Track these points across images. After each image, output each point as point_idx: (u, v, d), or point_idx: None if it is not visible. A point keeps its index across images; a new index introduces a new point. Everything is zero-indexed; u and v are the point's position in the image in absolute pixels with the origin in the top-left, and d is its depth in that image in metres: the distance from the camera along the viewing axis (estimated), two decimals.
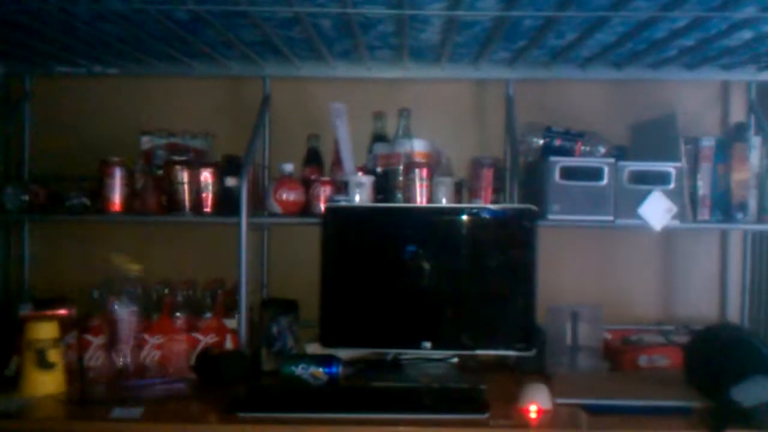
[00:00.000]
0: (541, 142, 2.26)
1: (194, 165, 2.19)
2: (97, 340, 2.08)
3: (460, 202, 2.24)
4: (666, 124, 2.22)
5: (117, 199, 2.17)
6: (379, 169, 2.22)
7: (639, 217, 2.08)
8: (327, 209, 2.10)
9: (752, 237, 2.45)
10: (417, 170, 2.13)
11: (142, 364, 2.07)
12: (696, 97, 2.50)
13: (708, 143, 2.16)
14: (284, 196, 2.17)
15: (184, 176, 2.16)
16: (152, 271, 2.38)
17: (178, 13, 1.85)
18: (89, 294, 2.17)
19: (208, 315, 2.17)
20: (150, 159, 2.28)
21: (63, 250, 2.52)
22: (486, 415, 1.71)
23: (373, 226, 2.12)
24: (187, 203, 2.17)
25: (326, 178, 2.22)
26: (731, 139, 2.19)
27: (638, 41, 2.06)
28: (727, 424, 1.63)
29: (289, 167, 2.22)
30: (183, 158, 2.23)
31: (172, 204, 2.18)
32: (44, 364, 1.88)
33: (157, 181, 2.21)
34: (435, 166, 2.20)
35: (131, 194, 2.21)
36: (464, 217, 2.07)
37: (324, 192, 2.17)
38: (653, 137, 2.30)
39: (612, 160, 2.10)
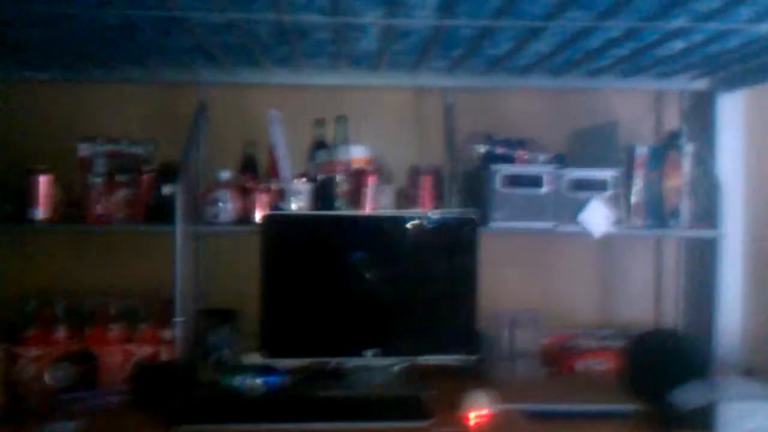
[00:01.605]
0: (483, 150, 2.27)
1: (134, 172, 2.15)
2: (28, 353, 2.02)
3: (401, 209, 2.24)
4: (605, 132, 2.25)
5: (44, 207, 2.11)
6: (318, 177, 2.21)
7: (579, 224, 2.11)
8: (266, 217, 2.08)
9: (686, 243, 2.50)
10: (361, 178, 2.12)
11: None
12: (631, 105, 2.54)
13: (641, 151, 2.20)
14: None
15: (124, 184, 2.13)
16: (86, 281, 2.34)
17: (109, 18, 1.81)
18: (21, 306, 2.11)
19: (144, 326, 2.13)
20: (88, 167, 2.22)
21: None
22: (428, 422, 1.71)
23: (313, 234, 2.11)
24: (124, 212, 2.13)
25: (264, 186, 2.19)
26: (664, 147, 2.24)
27: (574, 50, 2.09)
28: (670, 427, 1.66)
29: (225, 174, 2.19)
30: (122, 165, 2.18)
31: (111, 212, 2.13)
32: None
33: (96, 190, 2.16)
34: (378, 173, 2.20)
35: (65, 203, 2.16)
36: (406, 225, 2.07)
37: (261, 200, 2.15)
38: (591, 145, 2.34)
39: (552, 168, 2.12)
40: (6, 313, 2.16)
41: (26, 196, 2.12)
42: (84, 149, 2.25)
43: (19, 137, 2.44)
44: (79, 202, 2.17)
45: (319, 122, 2.30)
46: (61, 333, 2.09)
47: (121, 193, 2.15)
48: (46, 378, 1.89)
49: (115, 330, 2.10)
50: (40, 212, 2.11)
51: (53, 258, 2.45)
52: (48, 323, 2.09)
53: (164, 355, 2.10)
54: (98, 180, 2.17)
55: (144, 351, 2.09)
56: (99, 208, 2.13)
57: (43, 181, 2.11)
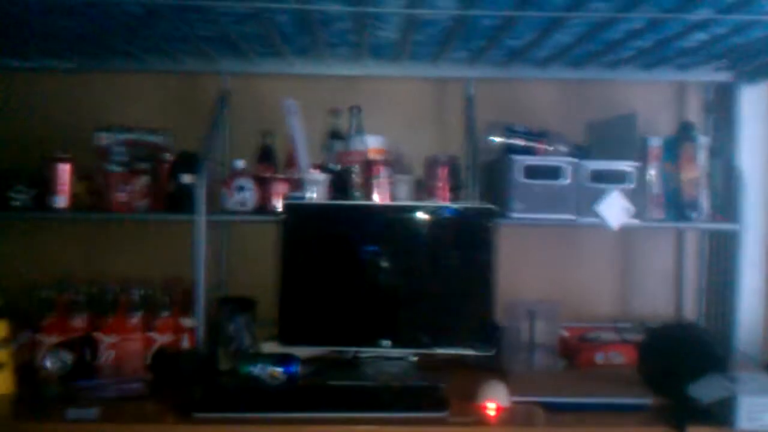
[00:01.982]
0: (503, 140, 2.26)
1: (153, 162, 2.16)
2: (48, 340, 2.04)
3: (420, 200, 2.23)
4: (624, 124, 2.24)
5: (65, 196, 2.13)
6: (335, 167, 2.21)
7: (597, 216, 2.10)
8: (285, 207, 2.09)
9: (706, 236, 2.48)
10: (377, 168, 2.12)
11: (97, 364, 2.03)
12: (652, 97, 2.53)
13: (655, 143, 2.19)
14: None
15: (143, 173, 2.14)
16: (108, 269, 2.36)
17: (131, 6, 1.81)
18: (40, 293, 2.13)
19: (165, 314, 2.14)
20: (106, 155, 2.23)
21: (10, 247, 2.46)
22: (445, 413, 1.71)
23: (331, 224, 2.11)
24: (144, 200, 2.14)
25: (281, 176, 2.19)
26: (678, 139, 2.22)
27: (596, 42, 2.08)
28: (688, 421, 1.66)
29: (240, 163, 2.20)
30: (142, 154, 2.19)
31: (131, 201, 2.15)
32: None
33: (115, 178, 2.17)
34: (394, 163, 2.20)
35: (85, 191, 2.17)
36: (424, 216, 2.07)
37: (278, 189, 2.15)
38: (609, 136, 2.33)
39: (574, 160, 2.12)
40: (26, 300, 2.17)
41: (47, 185, 2.14)
42: (102, 138, 2.27)
43: (39, 126, 2.46)
44: (100, 191, 2.18)
45: (335, 112, 2.30)
46: (80, 321, 2.11)
47: (141, 182, 2.16)
48: (44, 364, 1.89)
49: (136, 318, 2.12)
50: (61, 200, 2.13)
51: (73, 246, 2.47)
52: (67, 311, 2.11)
53: (184, 343, 2.11)
54: (118, 168, 2.18)
55: (164, 339, 2.10)
56: (120, 197, 2.14)
57: (63, 170, 2.13)
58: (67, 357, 1.90)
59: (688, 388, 1.73)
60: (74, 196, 2.16)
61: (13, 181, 2.17)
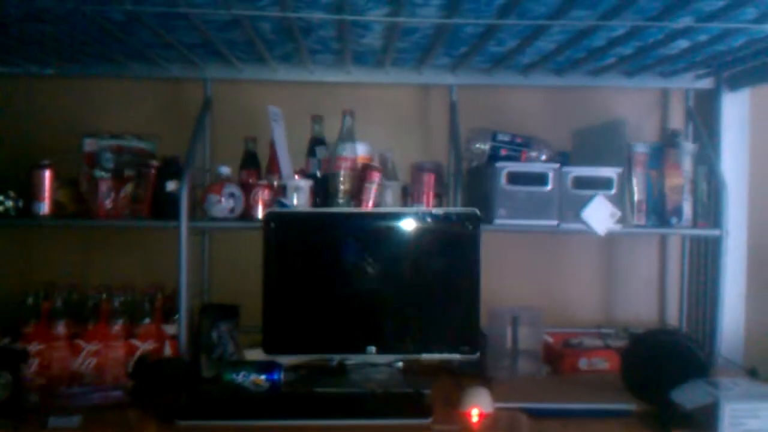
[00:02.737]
0: (487, 147, 2.27)
1: (138, 168, 2.15)
2: (30, 348, 2.02)
3: (405, 206, 2.23)
4: (610, 131, 2.25)
5: (47, 202, 2.12)
6: (318, 173, 2.20)
7: (582, 221, 2.11)
8: (268, 213, 2.08)
9: (690, 242, 2.50)
10: (363, 174, 2.12)
11: (78, 372, 2.02)
12: (635, 104, 2.55)
13: (640, 150, 2.20)
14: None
15: (129, 179, 2.14)
16: (89, 276, 2.34)
17: (114, 13, 1.81)
18: (22, 300, 2.11)
19: (147, 321, 2.13)
20: (92, 161, 2.22)
21: None
22: (429, 420, 1.71)
23: (315, 231, 2.10)
24: (129, 207, 2.14)
25: (265, 182, 2.19)
26: (663, 146, 2.24)
27: (578, 49, 2.09)
28: (671, 427, 1.66)
29: (225, 170, 2.19)
30: (129, 160, 2.18)
31: (116, 207, 2.14)
32: None
33: (101, 185, 2.16)
34: (381, 170, 2.20)
35: (69, 198, 2.17)
36: (408, 222, 2.07)
37: (262, 196, 2.15)
38: (594, 143, 2.34)
39: (557, 166, 2.13)
40: (8, 308, 2.16)
41: (30, 192, 2.12)
42: (89, 144, 2.26)
43: (23, 132, 2.45)
44: (84, 197, 2.17)
45: (317, 119, 2.30)
46: (62, 328, 2.09)
47: (127, 189, 2.15)
48: None
49: (117, 325, 2.10)
50: (45, 207, 2.12)
51: (56, 253, 2.47)
52: (49, 318, 2.09)
53: (167, 351, 2.10)
54: (104, 174, 2.17)
55: (146, 346, 2.09)
56: (105, 203, 2.14)
57: (47, 176, 2.12)
58: (6, 377, 1.84)
59: (671, 394, 1.74)
60: (58, 203, 2.14)
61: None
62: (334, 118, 2.26)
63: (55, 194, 2.14)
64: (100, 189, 2.14)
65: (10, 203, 2.13)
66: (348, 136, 2.23)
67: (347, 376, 2.10)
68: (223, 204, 2.11)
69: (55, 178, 2.14)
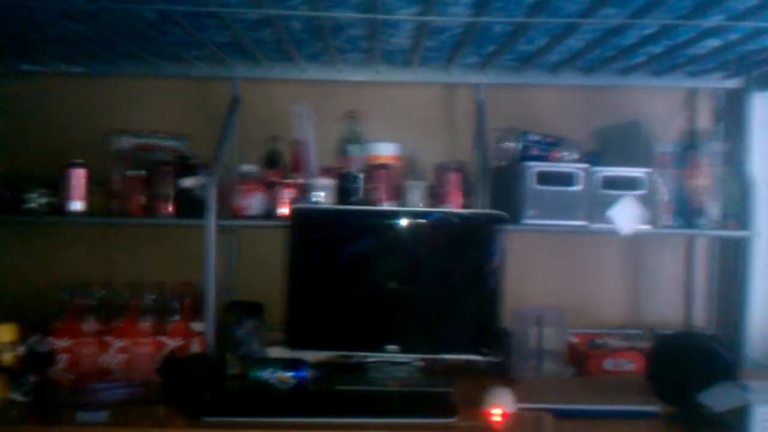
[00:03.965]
0: (517, 146, 2.26)
1: (173, 166, 2.17)
2: (60, 343, 2.05)
3: (430, 206, 2.23)
4: (630, 131, 2.24)
5: (79, 200, 2.14)
6: (345, 172, 2.21)
7: (608, 221, 2.10)
8: (293, 211, 2.08)
9: (716, 243, 2.48)
10: (388, 173, 2.12)
11: (106, 368, 2.04)
12: (662, 103, 2.53)
13: (665, 149, 2.19)
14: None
15: (161, 177, 2.16)
16: (119, 273, 2.36)
17: (146, 12, 1.83)
18: (53, 296, 2.13)
19: (175, 318, 2.15)
20: (124, 160, 2.24)
21: (26, 251, 2.49)
22: (454, 419, 1.71)
23: (339, 229, 2.11)
24: (161, 205, 2.16)
25: (289, 181, 2.20)
26: (689, 146, 2.22)
27: (607, 47, 2.08)
28: (700, 430, 1.65)
29: (249, 168, 2.20)
30: (163, 159, 2.19)
31: (149, 205, 2.16)
32: None
33: (135, 182, 2.18)
34: (406, 169, 2.20)
35: (99, 195, 2.19)
36: (431, 221, 2.07)
37: (286, 194, 2.16)
38: (618, 142, 2.33)
39: (586, 166, 2.12)
40: (38, 304, 2.19)
41: (62, 189, 2.15)
42: (120, 142, 2.28)
43: (52, 131, 2.48)
44: (114, 195, 2.20)
45: (349, 117, 2.30)
46: (91, 324, 2.11)
47: (156, 186, 2.17)
48: (12, 396, 1.82)
49: (146, 322, 2.12)
50: (77, 205, 2.14)
51: (86, 250, 2.49)
52: (78, 314, 2.11)
53: (194, 348, 2.12)
54: (134, 173, 2.20)
55: (174, 343, 2.11)
56: (136, 201, 2.16)
57: (80, 175, 2.15)
58: (30, 381, 1.86)
59: (699, 396, 1.72)
60: (89, 201, 2.17)
61: (30, 186, 2.19)
62: (363, 117, 2.28)
63: (88, 192, 2.16)
64: (133, 187, 2.16)
65: (41, 200, 2.16)
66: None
67: (368, 374, 2.10)
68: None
69: (88, 176, 2.16)
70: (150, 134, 2.31)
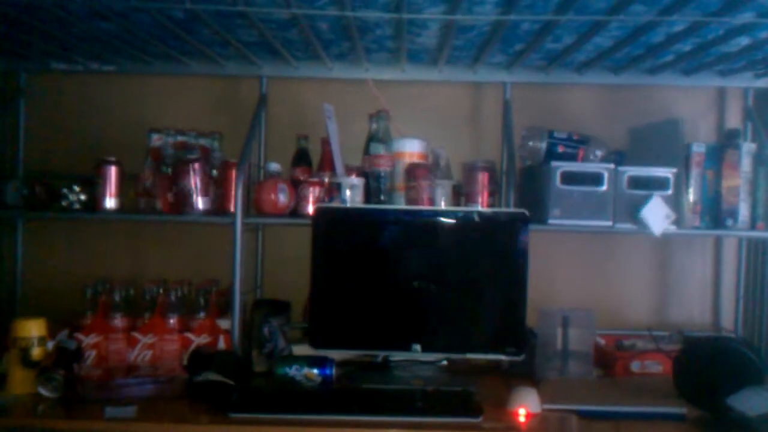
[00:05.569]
0: (544, 145, 2.25)
1: (204, 164, 2.19)
2: (88, 339, 2.07)
3: (459, 205, 2.23)
4: (667, 130, 2.22)
5: (113, 197, 2.16)
6: (372, 170, 2.21)
7: (637, 222, 2.08)
8: (317, 210, 2.09)
9: (747, 244, 2.45)
10: (415, 172, 2.12)
11: (134, 364, 2.06)
12: (692, 103, 2.50)
13: (698, 149, 2.16)
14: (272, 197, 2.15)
15: (192, 175, 2.17)
16: (147, 270, 2.39)
17: (175, 12, 1.84)
18: (82, 292, 2.16)
19: (202, 315, 2.16)
20: (158, 157, 2.27)
21: (57, 247, 2.52)
22: (479, 419, 1.70)
23: (364, 228, 2.11)
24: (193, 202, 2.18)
25: (316, 179, 2.20)
26: (722, 146, 2.19)
27: (635, 46, 2.07)
28: None
29: (275, 167, 2.22)
30: (195, 157, 2.19)
31: (179, 203, 2.17)
32: (27, 363, 1.87)
33: (166, 180, 2.21)
34: (434, 168, 2.20)
35: (133, 193, 2.23)
36: (456, 220, 2.06)
37: (313, 193, 2.16)
38: (650, 142, 2.31)
39: (612, 166, 2.10)
40: (67, 300, 2.22)
41: (96, 187, 2.17)
42: (154, 140, 2.30)
43: (83, 128, 2.51)
44: (147, 192, 2.22)
45: (375, 116, 2.30)
46: (118, 321, 2.14)
47: (189, 184, 2.18)
48: (41, 391, 1.84)
49: (173, 319, 2.14)
50: (109, 202, 2.16)
51: (114, 247, 2.51)
52: (106, 310, 2.13)
53: (221, 344, 2.13)
54: (169, 170, 2.22)
55: (201, 340, 2.12)
56: (169, 198, 2.18)
57: (114, 172, 2.17)
58: (59, 377, 1.88)
59: (728, 400, 1.70)
60: (122, 198, 2.19)
61: (65, 183, 2.21)
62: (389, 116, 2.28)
63: (122, 189, 2.18)
64: (165, 184, 2.18)
65: (73, 197, 2.18)
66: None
67: (392, 372, 2.10)
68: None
69: (122, 173, 2.19)
70: (181, 132, 2.33)
